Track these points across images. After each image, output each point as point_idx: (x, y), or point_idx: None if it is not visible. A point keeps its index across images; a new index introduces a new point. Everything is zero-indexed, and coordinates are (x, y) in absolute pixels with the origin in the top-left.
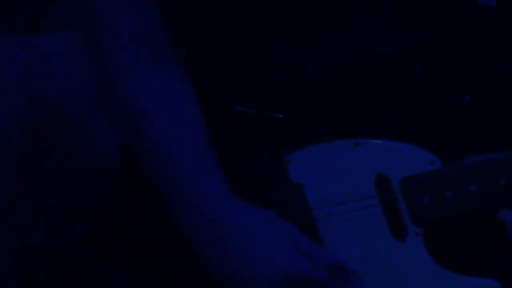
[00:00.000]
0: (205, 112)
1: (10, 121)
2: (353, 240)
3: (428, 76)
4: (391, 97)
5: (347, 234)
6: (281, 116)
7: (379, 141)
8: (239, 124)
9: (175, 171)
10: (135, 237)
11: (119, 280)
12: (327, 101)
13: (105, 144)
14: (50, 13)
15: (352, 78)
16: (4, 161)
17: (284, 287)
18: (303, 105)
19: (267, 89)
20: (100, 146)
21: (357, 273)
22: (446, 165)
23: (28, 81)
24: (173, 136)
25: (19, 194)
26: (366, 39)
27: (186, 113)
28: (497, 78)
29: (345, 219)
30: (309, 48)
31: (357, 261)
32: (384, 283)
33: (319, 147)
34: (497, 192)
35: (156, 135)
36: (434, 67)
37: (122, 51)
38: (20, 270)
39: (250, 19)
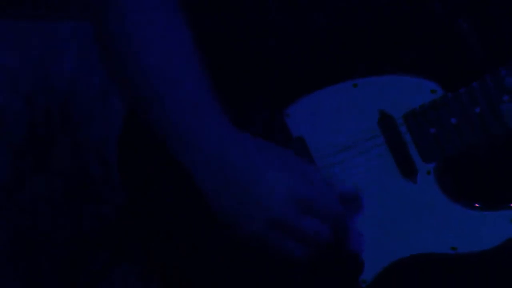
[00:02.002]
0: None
1: (21, 106)
2: (363, 185)
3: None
4: (386, 33)
5: (356, 179)
6: None
7: (376, 78)
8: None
9: (173, 103)
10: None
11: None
12: (322, 49)
13: (106, 131)
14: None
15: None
16: (10, 147)
17: (292, 208)
18: (299, 57)
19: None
20: (102, 132)
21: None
22: (447, 92)
23: (40, 67)
24: (168, 68)
25: (23, 178)
26: None
27: (182, 47)
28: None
29: (352, 165)
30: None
31: (367, 206)
32: (398, 226)
33: (315, 95)
34: (500, 109)
35: (150, 67)
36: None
37: None
38: (21, 256)
39: None
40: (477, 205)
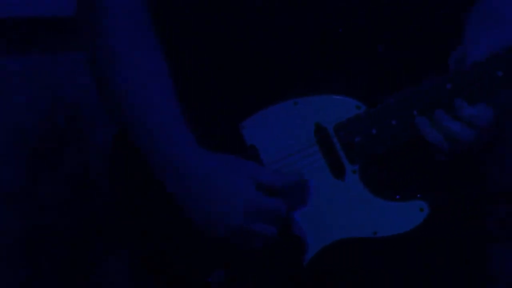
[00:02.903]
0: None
1: (33, 120)
2: (310, 188)
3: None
4: (320, 59)
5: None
6: None
7: (312, 97)
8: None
9: (147, 122)
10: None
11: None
12: (271, 69)
13: (105, 136)
14: (71, 36)
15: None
16: (21, 154)
17: (248, 218)
18: (254, 75)
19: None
20: (102, 138)
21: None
22: (369, 108)
23: (52, 89)
24: (142, 87)
25: (33, 181)
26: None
27: (154, 67)
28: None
29: (296, 167)
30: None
31: (308, 199)
32: (332, 216)
33: (266, 111)
34: (413, 122)
35: (126, 86)
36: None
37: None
38: (28, 251)
39: None
40: (394, 197)
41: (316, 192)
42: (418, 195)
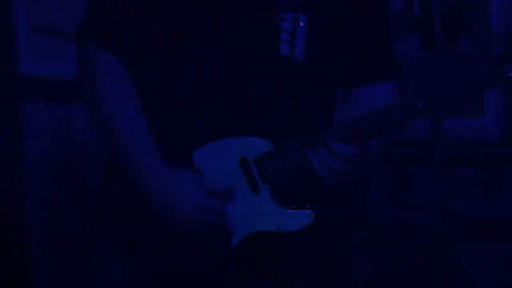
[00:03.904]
0: None
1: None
2: (236, 198)
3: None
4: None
5: (234, 196)
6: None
7: (241, 138)
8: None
9: (127, 152)
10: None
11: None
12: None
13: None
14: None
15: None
16: (48, 172)
17: (198, 210)
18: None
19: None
20: (101, 159)
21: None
22: (277, 146)
23: (64, 131)
24: (124, 125)
25: (57, 192)
26: None
27: (136, 117)
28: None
29: (229, 183)
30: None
31: (237, 204)
32: (250, 216)
33: (209, 146)
34: (306, 156)
35: (113, 124)
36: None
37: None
38: (54, 250)
39: None
40: (291, 207)
41: (242, 200)
42: (307, 206)
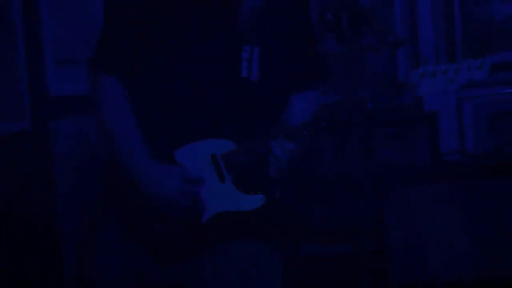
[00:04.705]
0: None
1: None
2: (207, 185)
3: None
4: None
5: (206, 180)
6: None
7: (212, 140)
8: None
9: (124, 151)
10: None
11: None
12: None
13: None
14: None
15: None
16: (71, 179)
17: (178, 193)
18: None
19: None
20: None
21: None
22: (237, 145)
23: (80, 143)
24: (121, 131)
25: (79, 193)
26: None
27: (130, 126)
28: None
29: (203, 174)
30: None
31: (206, 195)
32: (218, 199)
33: (188, 146)
34: (248, 158)
35: (112, 134)
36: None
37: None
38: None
39: None
40: (249, 192)
41: (211, 187)
42: (259, 192)
